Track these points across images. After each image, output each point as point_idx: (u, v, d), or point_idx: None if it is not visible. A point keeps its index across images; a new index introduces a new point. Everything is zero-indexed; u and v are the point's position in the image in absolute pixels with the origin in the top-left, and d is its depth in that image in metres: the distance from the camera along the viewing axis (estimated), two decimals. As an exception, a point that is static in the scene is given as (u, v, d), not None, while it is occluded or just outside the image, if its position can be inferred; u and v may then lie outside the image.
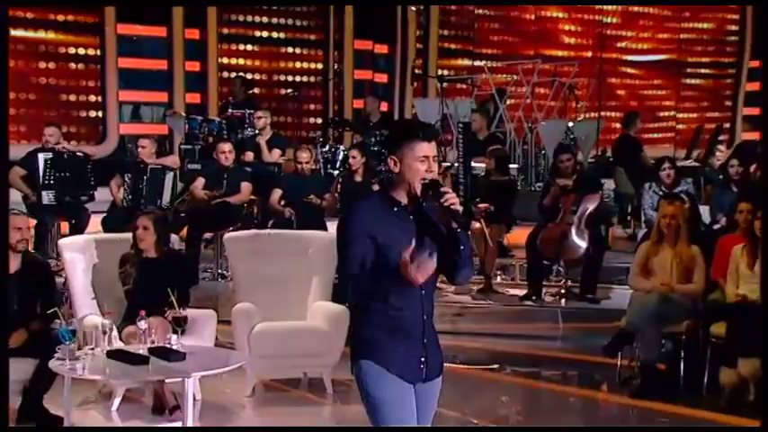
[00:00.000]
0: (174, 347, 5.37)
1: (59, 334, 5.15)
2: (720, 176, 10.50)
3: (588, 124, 12.83)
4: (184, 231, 9.20)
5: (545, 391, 7.31)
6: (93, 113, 13.92)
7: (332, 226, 8.24)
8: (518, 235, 9.69)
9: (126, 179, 9.53)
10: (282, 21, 15.20)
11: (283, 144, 10.86)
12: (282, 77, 15.28)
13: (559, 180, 8.93)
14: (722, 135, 13.82)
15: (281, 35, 15.24)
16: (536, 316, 8.78)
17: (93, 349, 5.30)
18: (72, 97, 13.75)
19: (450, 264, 3.58)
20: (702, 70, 18.57)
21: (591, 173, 10.90)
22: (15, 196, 9.47)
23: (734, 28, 18.61)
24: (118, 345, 5.76)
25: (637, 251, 7.35)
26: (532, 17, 17.04)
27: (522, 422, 6.40)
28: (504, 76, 14.96)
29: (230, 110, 11.55)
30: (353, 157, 9.82)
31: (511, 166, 10.50)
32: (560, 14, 17.31)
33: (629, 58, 17.79)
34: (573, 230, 8.68)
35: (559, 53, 16.73)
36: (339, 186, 9.99)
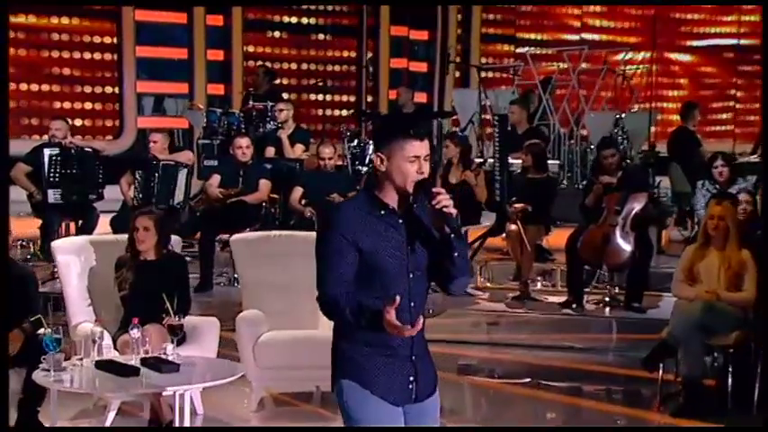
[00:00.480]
0: (170, 358, 5.37)
1: (44, 343, 5.16)
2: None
3: (640, 116, 12.65)
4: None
5: (584, 409, 7.19)
6: (109, 106, 14.03)
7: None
8: (560, 237, 9.58)
9: (137, 176, 9.55)
10: (312, 6, 15.20)
11: (307, 138, 10.85)
12: (313, 66, 15.30)
13: (603, 177, 8.80)
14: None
15: (311, 21, 15.25)
16: (576, 326, 8.65)
17: (81, 359, 5.31)
18: (87, 88, 13.87)
19: (443, 272, 3.51)
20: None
21: (638, 170, 10.74)
22: (20, 194, 9.58)
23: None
24: (112, 354, 5.78)
25: (681, 255, 7.22)
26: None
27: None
28: (551, 64, 14.84)
29: (251, 102, 11.56)
30: (381, 153, 9.74)
31: (550, 162, 10.38)
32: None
33: (688, 43, 17.54)
34: (617, 233, 8.55)
35: (611, 38, 16.57)
36: (365, 184, 9.92)
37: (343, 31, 15.44)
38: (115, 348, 5.99)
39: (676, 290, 6.99)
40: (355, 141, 11.17)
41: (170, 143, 10.27)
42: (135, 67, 13.96)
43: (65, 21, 13.63)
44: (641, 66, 14.43)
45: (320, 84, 14.02)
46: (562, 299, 8.97)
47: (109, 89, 13.99)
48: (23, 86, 13.41)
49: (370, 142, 11.18)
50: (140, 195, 9.47)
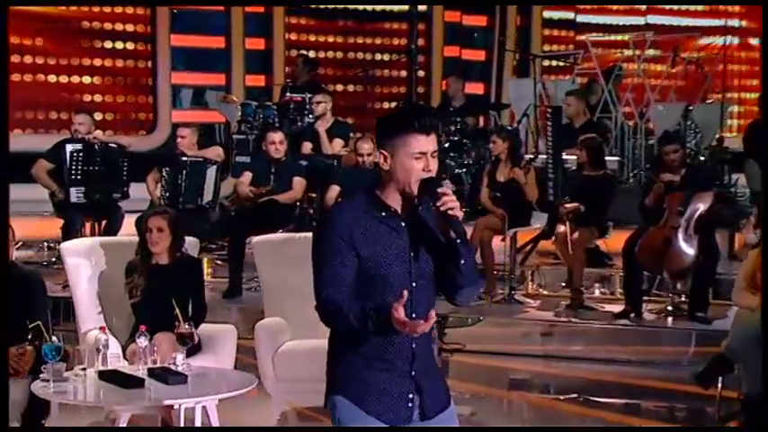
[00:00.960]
0: (179, 368, 5.39)
1: (43, 352, 5.20)
2: None
3: (712, 108, 12.44)
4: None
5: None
6: (142, 99, 14.14)
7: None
8: (621, 239, 9.45)
9: (164, 174, 9.61)
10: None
11: (347, 133, 10.78)
12: (360, 55, 15.29)
13: (664, 175, 8.67)
14: None
15: (358, 7, 15.24)
16: (633, 337, 8.54)
17: (84, 369, 5.35)
18: (119, 80, 13.99)
19: (448, 281, 3.45)
20: None
21: (704, 167, 10.57)
22: (42, 193, 9.70)
23: None
24: (120, 364, 5.80)
25: (744, 260, 7.07)
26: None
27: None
28: (616, 51, 14.65)
29: (288, 93, 11.57)
30: (426, 149, 9.70)
31: (612, 158, 10.26)
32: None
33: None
34: (679, 235, 8.41)
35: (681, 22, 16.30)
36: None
37: (392, 17, 15.40)
38: (125, 358, 6.03)
39: (737, 298, 6.84)
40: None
41: (199, 138, 10.26)
42: (170, 56, 14.04)
43: (95, 8, 13.73)
44: (716, 52, 14.20)
45: (361, 74, 13.95)
46: (621, 307, 8.86)
47: (142, 80, 14.07)
48: (52, 78, 13.57)
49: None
50: (167, 194, 9.51)
